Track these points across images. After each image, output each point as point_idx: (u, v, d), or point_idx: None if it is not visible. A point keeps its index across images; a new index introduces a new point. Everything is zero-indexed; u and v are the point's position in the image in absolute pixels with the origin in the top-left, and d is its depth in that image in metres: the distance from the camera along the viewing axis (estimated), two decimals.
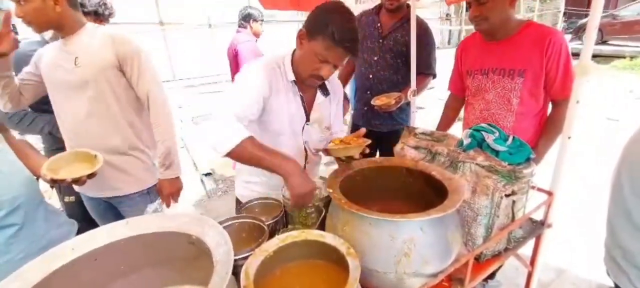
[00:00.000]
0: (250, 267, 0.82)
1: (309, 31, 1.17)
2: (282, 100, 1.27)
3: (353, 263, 0.82)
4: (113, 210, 1.70)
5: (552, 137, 1.59)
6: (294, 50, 1.29)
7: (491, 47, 1.63)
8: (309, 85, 1.29)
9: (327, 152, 1.24)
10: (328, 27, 1.11)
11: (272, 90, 1.24)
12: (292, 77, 1.26)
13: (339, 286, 0.77)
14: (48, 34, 1.77)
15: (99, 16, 1.92)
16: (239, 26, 3.44)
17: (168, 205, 1.70)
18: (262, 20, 3.47)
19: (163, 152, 1.57)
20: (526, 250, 1.38)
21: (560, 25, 12.78)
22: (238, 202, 1.52)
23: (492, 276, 2.06)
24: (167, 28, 8.05)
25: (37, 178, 1.16)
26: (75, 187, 1.60)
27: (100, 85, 1.44)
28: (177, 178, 1.65)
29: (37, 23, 1.33)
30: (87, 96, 1.44)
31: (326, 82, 1.37)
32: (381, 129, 2.26)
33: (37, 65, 1.51)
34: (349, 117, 3.90)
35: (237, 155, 1.09)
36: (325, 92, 1.39)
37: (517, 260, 1.38)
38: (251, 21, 3.38)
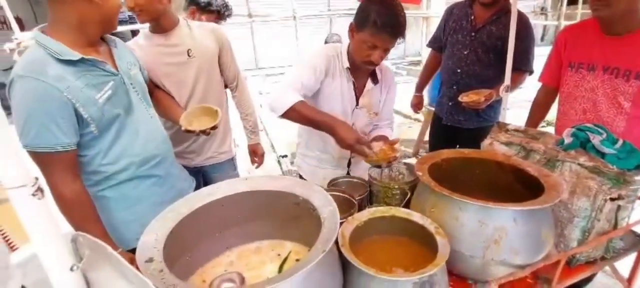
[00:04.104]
0: (346, 229, 0.92)
1: (357, 24, 1.34)
2: (336, 84, 1.46)
3: (442, 242, 0.88)
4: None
5: None
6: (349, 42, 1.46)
7: (607, 42, 1.46)
8: (364, 70, 1.46)
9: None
10: (371, 17, 1.27)
11: (328, 74, 1.44)
12: (347, 64, 1.44)
13: (423, 262, 0.82)
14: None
15: (221, 14, 2.21)
16: None
17: (260, 163, 2.07)
18: None
19: (253, 122, 1.95)
20: (624, 267, 1.27)
21: None
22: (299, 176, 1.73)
23: (578, 287, 1.90)
24: (255, 20, 8.79)
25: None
26: None
27: (210, 70, 1.69)
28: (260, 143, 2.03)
29: (147, 11, 1.45)
30: (200, 80, 1.66)
31: (377, 72, 1.53)
32: (466, 125, 2.20)
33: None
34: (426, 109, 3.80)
35: (291, 115, 1.32)
36: (375, 80, 1.54)
37: (612, 275, 1.28)
38: None
